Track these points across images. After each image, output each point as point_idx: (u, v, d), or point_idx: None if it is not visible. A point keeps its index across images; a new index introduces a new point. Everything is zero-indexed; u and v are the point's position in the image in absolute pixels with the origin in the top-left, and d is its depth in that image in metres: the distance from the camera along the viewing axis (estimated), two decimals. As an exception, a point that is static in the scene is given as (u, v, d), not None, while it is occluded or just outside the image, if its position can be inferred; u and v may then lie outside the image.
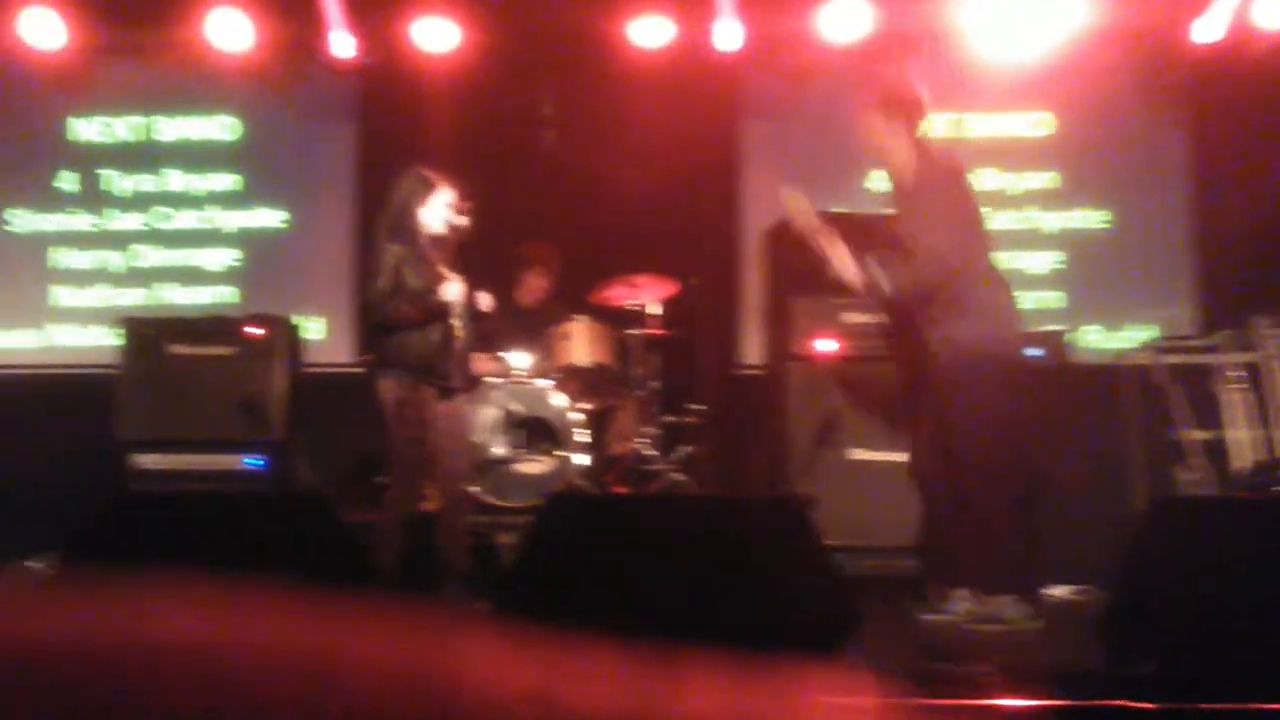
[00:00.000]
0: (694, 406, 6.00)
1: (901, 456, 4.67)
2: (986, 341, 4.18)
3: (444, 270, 4.63)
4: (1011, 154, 6.87)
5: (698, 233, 6.65)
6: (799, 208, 4.35)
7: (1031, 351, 4.98)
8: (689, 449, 5.85)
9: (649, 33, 6.38)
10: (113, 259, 7.09)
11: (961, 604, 4.18)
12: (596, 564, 3.80)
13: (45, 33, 6.72)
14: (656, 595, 3.54)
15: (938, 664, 3.72)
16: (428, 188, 4.65)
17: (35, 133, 7.13)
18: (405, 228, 4.64)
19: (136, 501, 4.76)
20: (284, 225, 7.12)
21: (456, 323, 4.65)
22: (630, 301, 5.81)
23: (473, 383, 5.04)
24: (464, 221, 4.67)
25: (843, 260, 4.26)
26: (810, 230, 4.31)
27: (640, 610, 3.52)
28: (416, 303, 4.54)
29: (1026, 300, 6.29)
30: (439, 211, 4.66)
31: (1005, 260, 5.89)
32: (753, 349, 6.62)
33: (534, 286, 6.13)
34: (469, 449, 4.82)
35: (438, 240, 4.67)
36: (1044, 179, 6.91)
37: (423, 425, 4.59)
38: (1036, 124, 6.92)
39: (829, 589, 3.58)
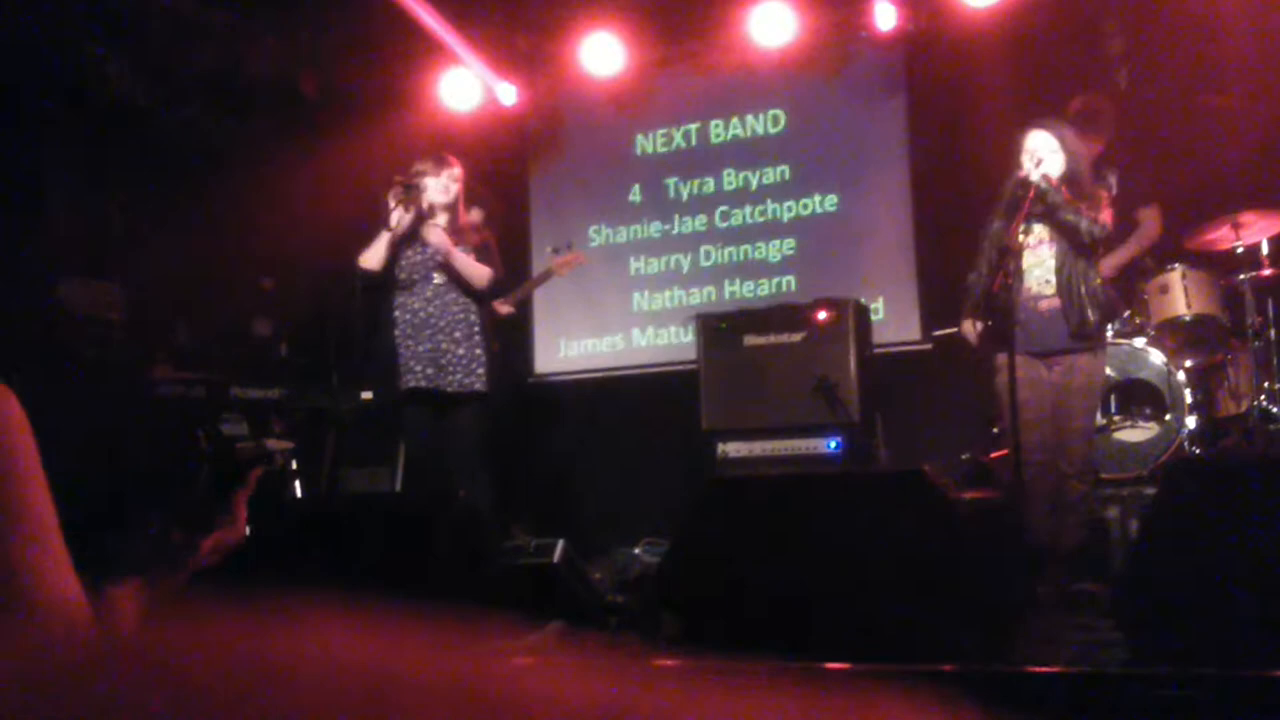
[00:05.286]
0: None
1: None
2: None
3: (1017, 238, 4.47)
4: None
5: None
6: None
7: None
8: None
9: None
10: (682, 261, 7.49)
11: None
12: (1225, 537, 3.33)
13: (606, 59, 7.24)
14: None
15: None
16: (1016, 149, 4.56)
17: (608, 154, 7.72)
18: (1000, 194, 4.62)
19: (733, 485, 4.92)
20: (833, 209, 7.14)
21: (1033, 285, 4.45)
22: (1236, 243, 5.12)
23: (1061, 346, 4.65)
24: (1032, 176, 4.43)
25: None
26: None
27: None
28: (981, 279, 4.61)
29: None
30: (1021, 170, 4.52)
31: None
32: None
33: None
34: (1070, 419, 4.45)
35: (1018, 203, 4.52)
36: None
37: (1000, 395, 4.49)
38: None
39: None
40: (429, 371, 4.93)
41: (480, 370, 5.00)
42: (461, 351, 4.97)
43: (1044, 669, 3.03)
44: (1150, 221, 5.53)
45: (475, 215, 5.58)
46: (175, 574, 1.51)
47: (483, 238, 5.22)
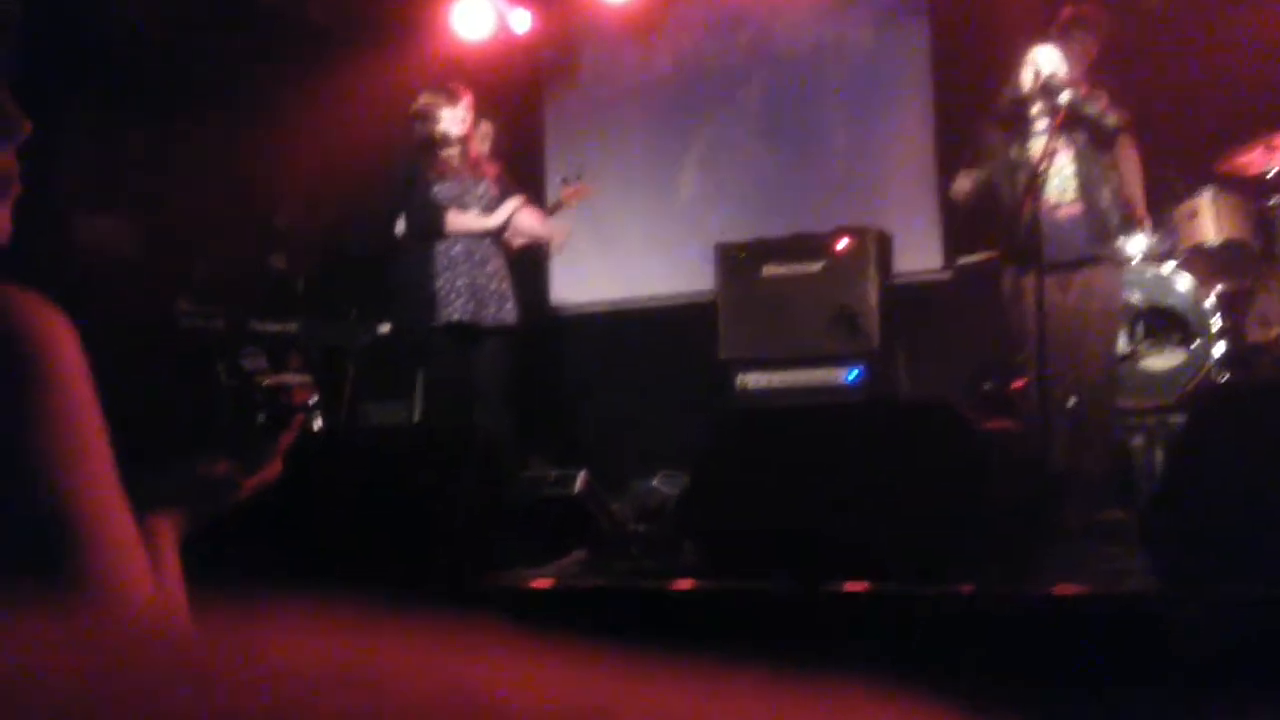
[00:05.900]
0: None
1: None
2: None
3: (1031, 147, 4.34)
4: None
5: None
6: None
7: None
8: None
9: None
10: (698, 190, 7.39)
11: None
12: (1252, 463, 3.28)
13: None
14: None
15: None
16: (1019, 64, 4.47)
17: (623, 82, 7.58)
18: (996, 109, 4.54)
19: (753, 415, 4.91)
20: (854, 134, 7.02)
21: (1052, 194, 4.35)
22: (1269, 167, 5.02)
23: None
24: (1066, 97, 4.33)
25: None
26: None
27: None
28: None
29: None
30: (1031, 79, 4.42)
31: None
32: None
33: None
34: (1089, 343, 4.39)
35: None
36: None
37: (1023, 316, 4.35)
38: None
39: None
40: (469, 306, 4.96)
41: (510, 304, 5.09)
42: (494, 286, 5.04)
43: (1069, 590, 3.01)
44: (1130, 158, 5.41)
45: (485, 128, 5.51)
46: (215, 510, 1.53)
47: (499, 170, 5.22)
